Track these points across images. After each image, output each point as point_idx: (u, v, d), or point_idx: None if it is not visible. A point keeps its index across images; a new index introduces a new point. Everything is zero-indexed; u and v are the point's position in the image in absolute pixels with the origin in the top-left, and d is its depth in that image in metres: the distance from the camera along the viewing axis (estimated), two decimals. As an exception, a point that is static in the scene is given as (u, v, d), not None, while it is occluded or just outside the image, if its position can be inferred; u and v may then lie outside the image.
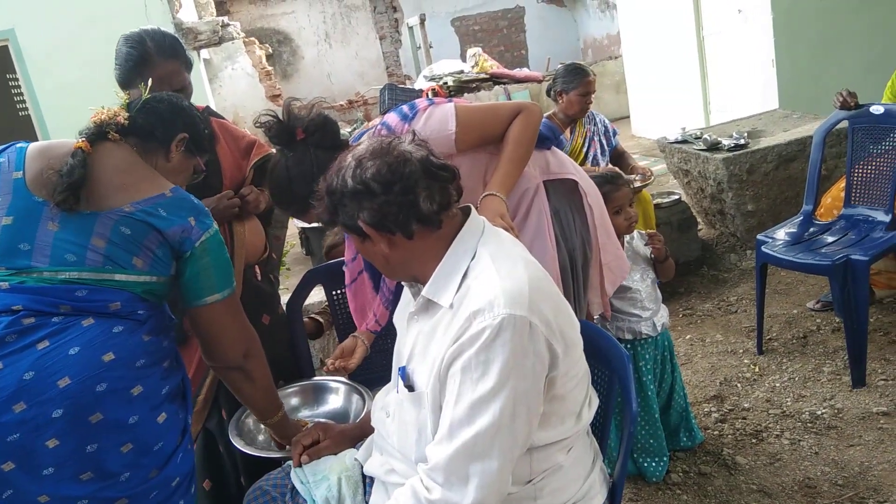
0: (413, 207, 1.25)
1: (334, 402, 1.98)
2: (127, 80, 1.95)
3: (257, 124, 1.71)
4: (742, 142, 3.90)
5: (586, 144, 3.53)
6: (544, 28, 13.03)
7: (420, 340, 1.33)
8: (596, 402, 1.41)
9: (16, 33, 6.97)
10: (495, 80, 8.66)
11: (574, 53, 12.48)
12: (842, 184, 3.18)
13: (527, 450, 1.25)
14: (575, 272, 1.95)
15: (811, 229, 3.06)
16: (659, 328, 2.38)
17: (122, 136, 1.51)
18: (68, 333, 1.34)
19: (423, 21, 11.00)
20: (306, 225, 5.26)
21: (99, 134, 1.48)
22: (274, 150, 1.78)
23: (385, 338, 2.00)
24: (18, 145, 1.49)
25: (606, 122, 3.65)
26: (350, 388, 1.96)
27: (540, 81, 8.45)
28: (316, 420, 1.86)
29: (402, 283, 1.45)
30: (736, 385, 2.88)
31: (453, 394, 1.20)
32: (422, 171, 1.26)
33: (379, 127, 1.76)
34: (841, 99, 3.11)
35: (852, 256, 2.66)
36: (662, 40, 7.47)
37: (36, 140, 1.60)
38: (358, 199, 1.26)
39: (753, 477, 2.30)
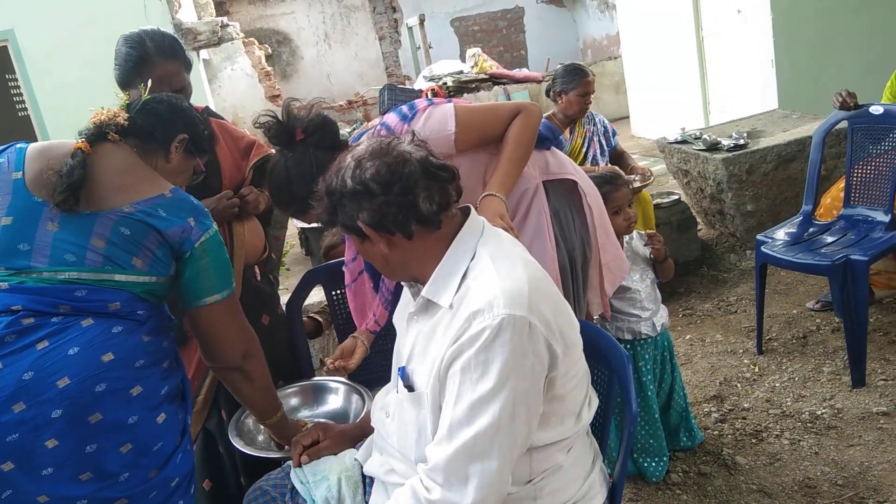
0: (412, 208, 1.25)
1: (334, 402, 1.98)
2: (126, 80, 1.95)
3: (257, 125, 1.71)
4: (741, 142, 3.90)
5: (586, 145, 3.53)
6: (544, 28, 13.03)
7: (420, 341, 1.33)
8: (596, 402, 1.41)
9: (15, 34, 6.97)
10: (495, 80, 8.66)
11: (573, 54, 12.48)
12: (841, 184, 3.18)
13: (526, 450, 1.25)
14: (574, 272, 1.95)
15: (811, 229, 3.06)
16: (658, 328, 2.38)
17: (121, 137, 1.51)
18: (68, 334, 1.34)
19: (422, 21, 11.00)
20: (306, 225, 5.27)
21: (99, 135, 1.49)
22: (273, 151, 1.78)
23: (385, 338, 2.00)
24: (18, 146, 1.50)
25: (606, 122, 3.66)
26: (350, 389, 1.96)
27: (539, 82, 8.44)
28: (316, 420, 1.86)
29: (402, 283, 1.45)
30: (736, 385, 2.88)
31: (453, 394, 1.20)
32: (421, 172, 1.26)
33: (378, 127, 1.76)
34: (840, 99, 3.11)
35: (852, 256, 2.66)
36: (662, 41, 7.47)
37: (35, 140, 1.60)
38: (357, 200, 1.26)
39: (753, 477, 2.30)
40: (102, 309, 1.38)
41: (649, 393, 2.35)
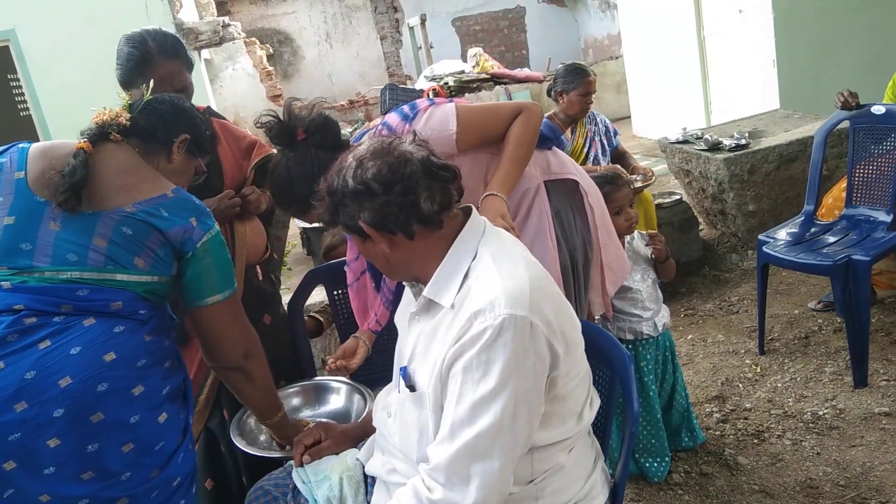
0: (414, 208, 1.25)
1: (336, 401, 1.98)
2: (128, 80, 1.95)
3: (258, 124, 1.71)
4: (743, 142, 3.90)
5: (587, 145, 3.53)
6: (545, 28, 13.03)
7: (421, 340, 1.33)
8: (597, 402, 1.41)
9: (17, 34, 6.98)
10: (496, 80, 8.66)
11: (575, 53, 12.48)
12: (843, 184, 3.18)
13: (528, 450, 1.25)
14: (576, 272, 1.95)
15: (812, 229, 3.06)
16: (660, 328, 2.38)
17: (123, 137, 1.51)
18: (70, 333, 1.34)
19: (423, 21, 11.01)
20: (307, 225, 5.27)
21: (101, 135, 1.49)
22: (275, 151, 1.78)
23: (387, 337, 2.00)
24: (20, 145, 1.50)
25: (607, 122, 3.65)
26: (351, 388, 1.96)
27: (541, 81, 8.44)
28: (317, 420, 1.86)
29: (404, 283, 1.45)
30: (737, 385, 2.88)
31: (455, 394, 1.20)
32: (423, 172, 1.26)
33: (380, 127, 1.76)
34: (842, 99, 3.11)
35: (854, 257, 2.66)
36: (663, 40, 7.47)
37: (37, 140, 1.60)
38: (359, 200, 1.26)
39: (755, 477, 2.30)
40: (104, 308, 1.38)
41: (651, 393, 2.35)
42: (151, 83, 1.61)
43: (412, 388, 1.32)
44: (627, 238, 2.38)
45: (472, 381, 1.17)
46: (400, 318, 1.50)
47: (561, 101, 3.44)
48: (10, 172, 1.43)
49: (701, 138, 4.12)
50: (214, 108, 2.57)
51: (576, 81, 3.37)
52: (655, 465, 2.35)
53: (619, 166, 3.40)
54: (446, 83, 8.18)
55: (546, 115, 2.73)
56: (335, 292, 2.41)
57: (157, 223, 1.42)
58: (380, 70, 13.03)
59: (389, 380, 1.53)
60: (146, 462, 1.38)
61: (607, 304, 2.09)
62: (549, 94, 3.55)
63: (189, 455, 1.49)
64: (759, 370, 2.95)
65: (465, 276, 1.27)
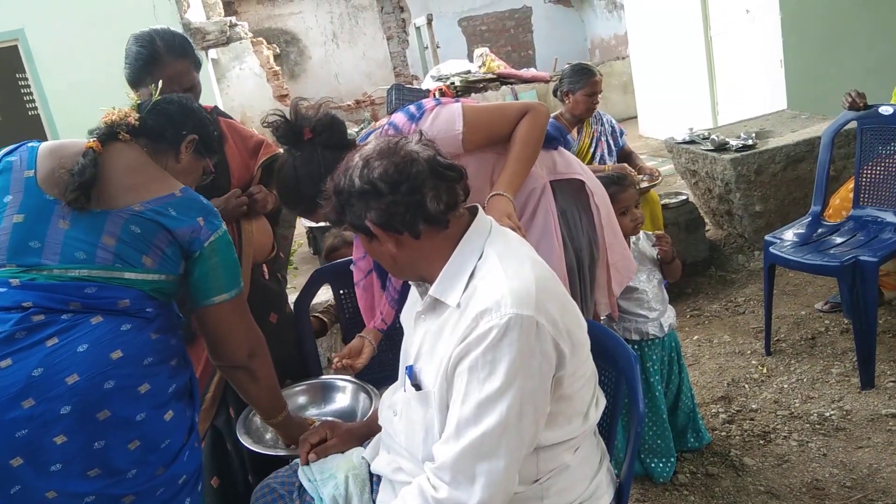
0: (420, 207, 1.25)
1: (341, 400, 1.98)
2: (137, 79, 1.96)
3: (265, 124, 1.72)
4: (750, 142, 3.88)
5: (593, 145, 3.53)
6: (551, 28, 13.01)
7: (427, 339, 1.33)
8: (603, 402, 1.41)
9: (25, 33, 7.01)
10: (502, 80, 8.66)
11: (581, 54, 12.46)
12: (850, 185, 3.17)
13: (533, 449, 1.25)
14: (582, 272, 1.95)
15: (819, 230, 3.05)
16: (666, 329, 2.37)
17: (132, 137, 1.52)
18: (77, 331, 1.35)
19: (430, 21, 11.00)
20: (314, 224, 5.27)
21: (110, 134, 1.50)
22: (281, 150, 1.79)
23: (393, 336, 2.01)
24: (30, 144, 1.51)
25: (613, 122, 3.65)
26: (357, 387, 1.96)
27: (547, 81, 8.44)
28: (323, 418, 1.87)
29: (410, 282, 1.46)
30: (744, 386, 2.87)
31: (460, 393, 1.20)
32: (429, 171, 1.26)
33: (386, 127, 1.77)
34: (850, 99, 3.10)
35: (861, 257, 2.64)
36: (670, 40, 7.44)
37: (45, 140, 1.61)
38: (365, 199, 1.27)
39: (761, 478, 2.29)
40: (112, 306, 1.39)
41: (657, 393, 2.35)
42: (160, 83, 1.62)
43: (418, 386, 1.33)
44: (633, 238, 2.38)
45: (477, 380, 1.18)
46: (406, 317, 1.51)
47: (567, 101, 3.43)
48: (20, 171, 1.44)
49: (707, 138, 4.11)
50: (221, 107, 2.58)
51: (582, 81, 3.37)
52: (661, 465, 2.35)
53: (626, 165, 3.40)
54: (452, 83, 8.19)
55: (552, 115, 2.73)
56: (341, 291, 2.42)
57: (165, 222, 1.43)
58: (386, 70, 13.03)
59: (395, 379, 1.53)
60: (152, 460, 1.39)
61: (613, 304, 2.09)
62: (555, 94, 3.55)
63: (195, 453, 1.50)
64: (765, 371, 2.94)
65: (471, 275, 1.27)
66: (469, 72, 8.66)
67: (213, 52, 8.71)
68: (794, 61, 5.36)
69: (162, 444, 1.41)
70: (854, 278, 2.64)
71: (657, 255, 2.41)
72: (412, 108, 1.75)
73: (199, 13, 8.34)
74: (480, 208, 1.38)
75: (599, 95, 3.43)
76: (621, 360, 1.51)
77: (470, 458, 1.17)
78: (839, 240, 2.93)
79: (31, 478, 1.28)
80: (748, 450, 2.45)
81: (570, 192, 1.93)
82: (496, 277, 1.23)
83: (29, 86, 7.47)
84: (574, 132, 3.48)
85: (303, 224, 5.50)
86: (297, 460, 1.61)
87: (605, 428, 1.53)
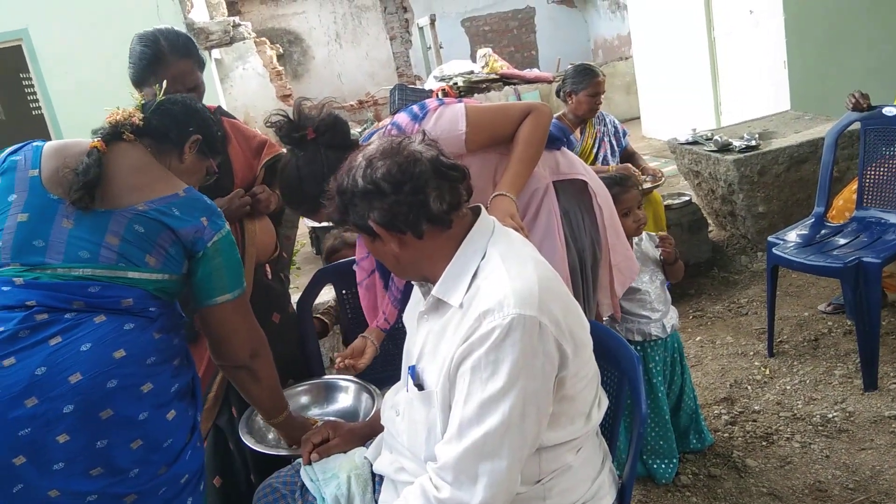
0: (423, 207, 1.25)
1: (344, 400, 1.98)
2: (141, 78, 1.97)
3: (268, 124, 1.72)
4: (753, 143, 3.88)
5: (596, 145, 3.53)
6: (555, 29, 13.00)
7: (430, 339, 1.33)
8: (605, 402, 1.41)
9: (29, 33, 7.03)
10: (505, 80, 8.65)
11: (584, 54, 12.45)
12: (854, 186, 3.16)
13: (536, 450, 1.25)
14: (584, 273, 1.95)
15: (823, 231, 3.04)
16: (668, 330, 2.37)
17: (136, 137, 1.52)
18: (80, 330, 1.35)
19: (433, 21, 11.00)
20: (316, 224, 5.28)
21: (114, 134, 1.50)
22: (285, 150, 1.79)
23: (395, 336, 2.01)
24: (34, 144, 1.51)
25: (616, 122, 3.65)
26: (360, 387, 1.97)
27: (550, 82, 8.42)
28: (326, 418, 1.87)
29: (413, 282, 1.46)
30: (746, 387, 2.87)
31: (463, 393, 1.20)
32: (432, 171, 1.26)
33: (389, 127, 1.77)
34: (853, 100, 3.09)
35: (864, 259, 2.64)
36: (673, 41, 7.44)
37: (49, 139, 1.62)
38: (368, 199, 1.27)
39: (763, 480, 2.29)
40: (115, 305, 1.39)
41: (659, 394, 2.34)
42: (164, 83, 1.62)
43: (420, 386, 1.33)
44: (636, 239, 2.37)
45: (480, 380, 1.18)
46: (408, 317, 1.51)
47: (570, 102, 3.43)
48: (25, 170, 1.45)
49: (711, 139, 4.11)
50: (225, 107, 2.58)
51: (585, 82, 3.37)
52: (663, 466, 2.35)
53: (630, 166, 3.40)
54: (455, 83, 8.18)
55: (555, 115, 2.73)
56: (343, 291, 2.42)
57: (168, 222, 1.44)
58: (389, 70, 13.03)
59: (397, 379, 1.53)
60: (154, 459, 1.39)
61: (616, 305, 2.09)
62: (558, 95, 3.55)
63: (197, 452, 1.50)
64: (767, 372, 2.94)
65: (474, 275, 1.27)
66: (472, 72, 8.65)
67: (216, 52, 8.72)
68: (797, 62, 5.35)
69: (164, 444, 1.41)
70: (857, 280, 2.64)
71: (660, 256, 2.41)
72: (415, 108, 1.76)
73: (203, 13, 8.35)
74: (483, 208, 1.38)
75: (602, 96, 3.43)
76: (624, 361, 1.50)
77: (472, 458, 1.17)
78: (842, 241, 2.92)
79: (33, 476, 1.29)
80: (751, 451, 2.44)
81: (572, 193, 1.93)
82: (499, 278, 1.23)
83: (33, 85, 7.49)
84: (577, 133, 3.47)
85: (306, 224, 5.51)
86: (300, 460, 1.61)
87: (608, 429, 1.52)
